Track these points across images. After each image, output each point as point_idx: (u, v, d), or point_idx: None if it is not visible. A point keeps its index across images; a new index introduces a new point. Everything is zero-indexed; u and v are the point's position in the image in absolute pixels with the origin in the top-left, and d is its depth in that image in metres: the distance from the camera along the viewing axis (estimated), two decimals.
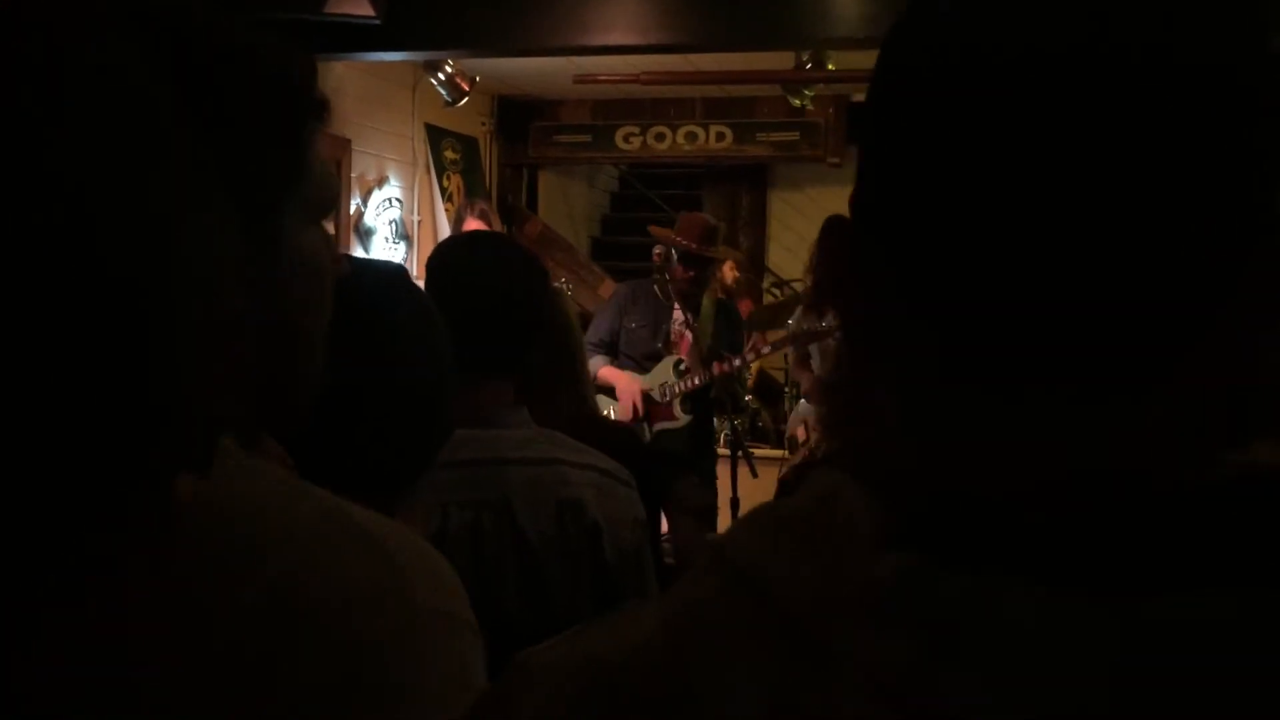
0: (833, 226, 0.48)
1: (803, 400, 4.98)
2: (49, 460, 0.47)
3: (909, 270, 0.43)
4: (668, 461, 3.99)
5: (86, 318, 0.47)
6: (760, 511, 0.48)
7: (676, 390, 4.28)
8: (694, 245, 4.25)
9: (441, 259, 1.73)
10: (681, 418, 4.31)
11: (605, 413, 4.05)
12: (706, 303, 4.40)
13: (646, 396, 4.30)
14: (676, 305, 4.32)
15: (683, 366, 4.32)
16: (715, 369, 4.25)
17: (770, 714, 0.41)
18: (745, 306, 5.98)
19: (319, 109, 0.72)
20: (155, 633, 0.54)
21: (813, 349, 4.79)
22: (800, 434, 4.69)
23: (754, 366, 5.52)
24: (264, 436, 0.74)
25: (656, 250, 4.33)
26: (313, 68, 0.73)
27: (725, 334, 4.48)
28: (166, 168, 0.52)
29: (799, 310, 4.98)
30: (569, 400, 2.12)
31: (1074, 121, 0.38)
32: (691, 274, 4.26)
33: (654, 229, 4.52)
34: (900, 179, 0.44)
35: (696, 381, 4.25)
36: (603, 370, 4.26)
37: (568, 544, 1.55)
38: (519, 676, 0.50)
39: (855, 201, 0.47)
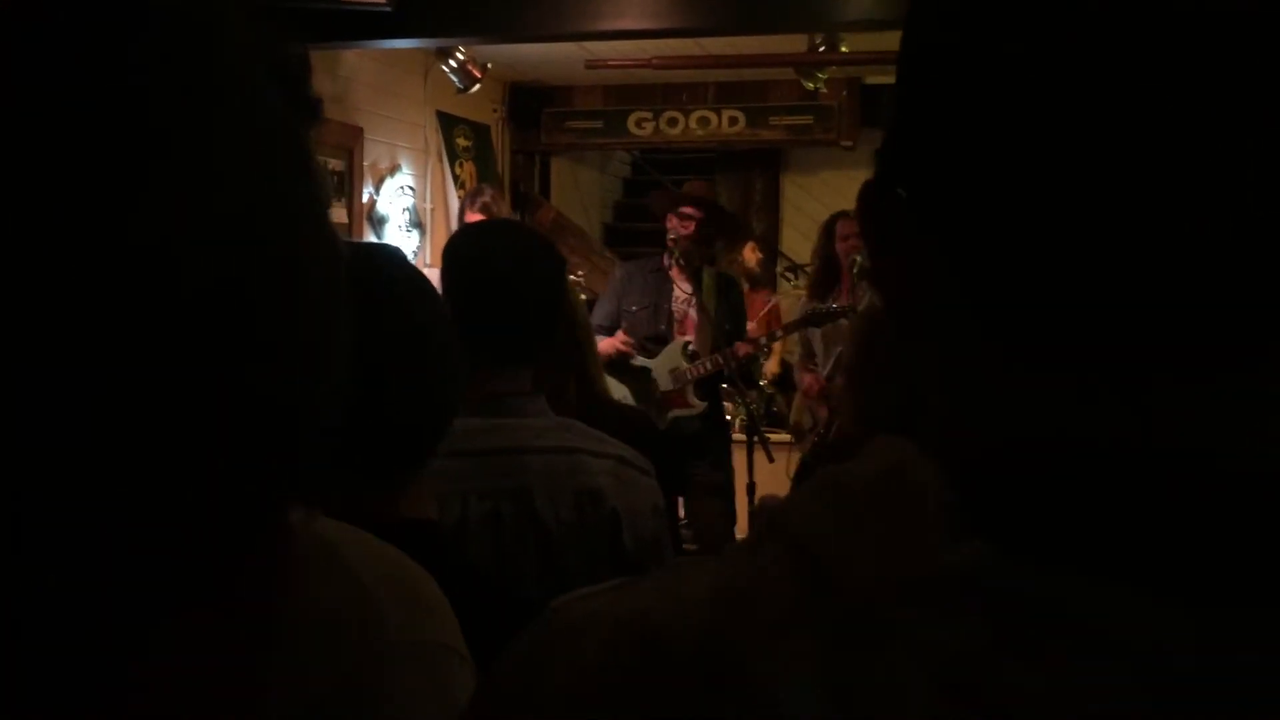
0: (874, 203, 0.46)
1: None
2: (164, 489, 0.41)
3: (977, 247, 0.40)
4: (682, 446, 3.98)
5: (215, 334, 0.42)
6: (822, 481, 0.45)
7: (689, 376, 4.21)
8: (691, 197, 4.23)
9: (456, 248, 1.72)
10: (696, 404, 4.24)
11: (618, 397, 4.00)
12: (707, 277, 4.31)
13: (671, 375, 4.20)
14: (676, 284, 4.25)
15: (690, 348, 4.24)
16: (740, 350, 4.20)
17: (826, 695, 0.39)
18: (764, 294, 5.95)
19: (314, 106, 0.71)
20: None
21: (816, 348, 4.76)
22: (807, 422, 4.66)
23: (776, 349, 5.48)
24: None
25: (671, 237, 4.30)
26: (307, 63, 0.71)
27: (727, 309, 4.38)
28: (298, 179, 0.49)
29: (804, 297, 4.94)
30: (581, 388, 2.11)
31: (1176, 76, 0.35)
32: (690, 227, 4.19)
33: (654, 194, 4.48)
34: (964, 143, 0.40)
35: (709, 367, 4.17)
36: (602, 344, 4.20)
37: (587, 532, 1.55)
38: (556, 625, 0.47)
39: (892, 175, 0.44)
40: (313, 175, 0.50)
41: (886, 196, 0.45)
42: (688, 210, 4.22)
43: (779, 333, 4.69)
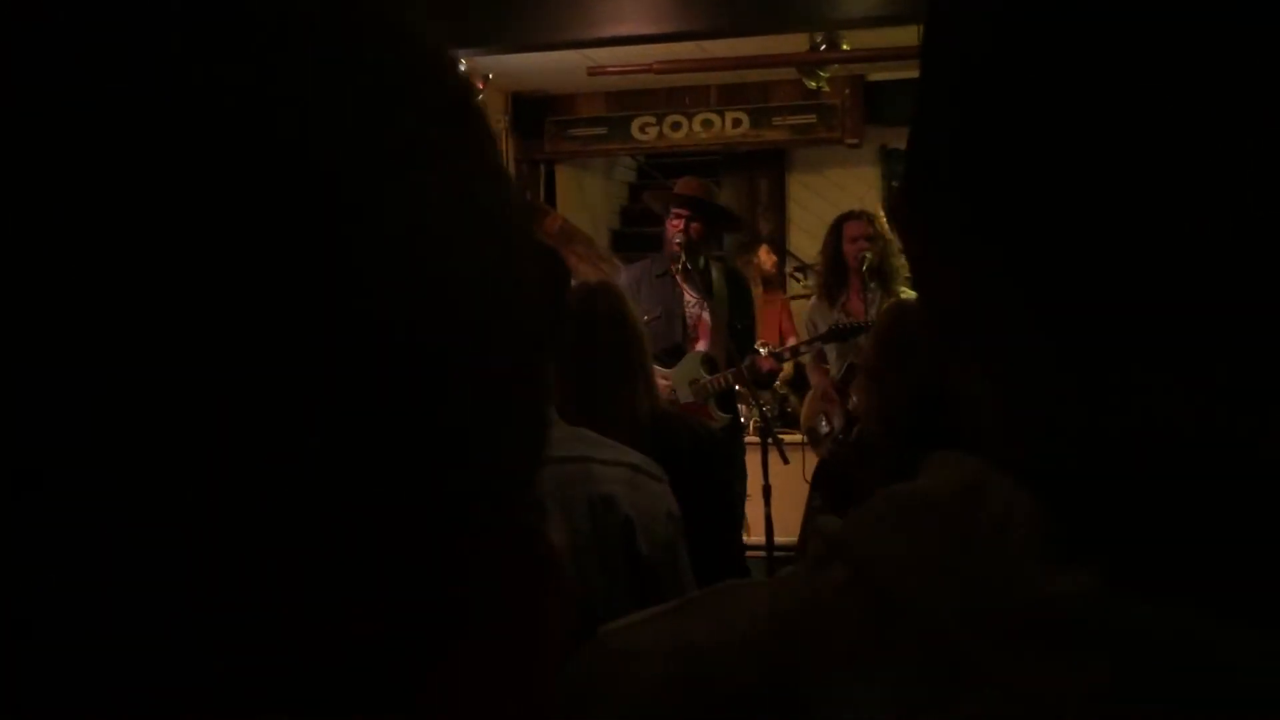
0: (913, 212, 0.44)
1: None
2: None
3: (1047, 258, 0.38)
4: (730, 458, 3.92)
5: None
6: (887, 500, 0.41)
7: (711, 389, 4.13)
8: (680, 196, 4.20)
9: None
10: (720, 417, 4.16)
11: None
12: (716, 275, 4.25)
13: (691, 388, 4.14)
14: (685, 289, 4.20)
15: (707, 358, 4.18)
16: (763, 366, 4.15)
17: None
18: (779, 296, 5.93)
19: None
20: None
21: (828, 349, 4.75)
22: (823, 425, 4.63)
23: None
24: None
25: (676, 241, 4.27)
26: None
27: (738, 306, 4.33)
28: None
29: (813, 300, 4.92)
30: (645, 396, 2.09)
31: (1230, 75, 0.34)
32: (681, 223, 4.13)
33: (648, 194, 4.46)
34: (1033, 156, 0.38)
35: (729, 380, 4.09)
36: None
37: (601, 540, 1.54)
38: (602, 658, 0.45)
39: (937, 184, 0.42)
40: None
41: (928, 205, 0.42)
42: (677, 210, 4.18)
43: (802, 348, 4.64)
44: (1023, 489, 0.38)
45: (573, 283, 2.17)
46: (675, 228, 4.13)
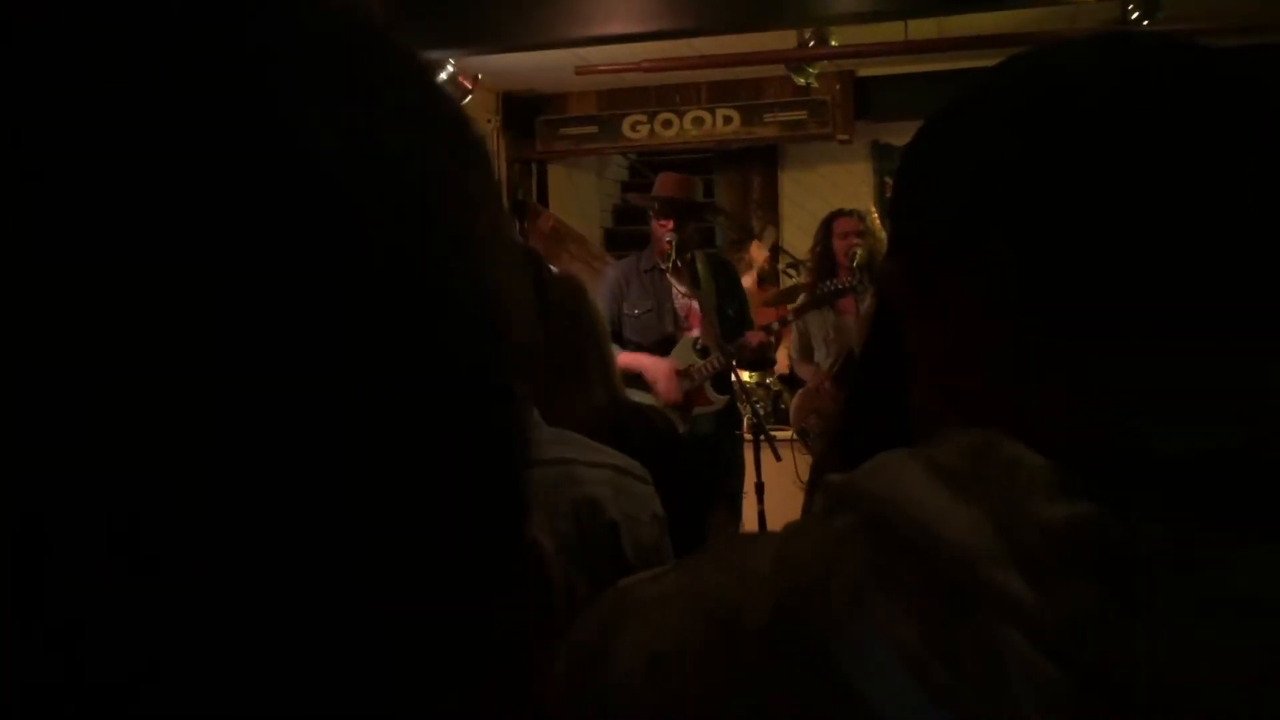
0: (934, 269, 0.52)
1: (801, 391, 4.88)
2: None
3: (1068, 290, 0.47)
4: (704, 455, 3.92)
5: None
6: (895, 457, 0.44)
7: (705, 372, 4.16)
8: (664, 194, 4.22)
9: None
10: (717, 399, 4.19)
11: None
12: (701, 266, 4.27)
13: (683, 375, 4.15)
14: (674, 283, 4.21)
15: (699, 345, 4.20)
16: (753, 340, 4.17)
17: (909, 668, 0.38)
18: (772, 292, 5.92)
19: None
20: None
21: (815, 342, 4.74)
22: (812, 423, 4.62)
23: (784, 344, 5.45)
24: None
25: (667, 239, 4.28)
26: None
27: (727, 293, 4.35)
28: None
29: (801, 296, 4.92)
30: (603, 390, 2.08)
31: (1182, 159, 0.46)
32: (669, 223, 4.16)
33: (631, 196, 4.47)
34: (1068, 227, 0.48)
35: (721, 362, 4.13)
36: (621, 357, 4.16)
37: (586, 543, 1.54)
38: (620, 605, 0.47)
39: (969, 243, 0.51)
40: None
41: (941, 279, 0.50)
42: (660, 216, 4.21)
43: (789, 317, 4.65)
44: (1028, 448, 0.42)
45: None
46: (664, 227, 4.15)
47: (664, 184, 4.32)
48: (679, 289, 4.25)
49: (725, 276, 4.42)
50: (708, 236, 5.42)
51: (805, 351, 4.84)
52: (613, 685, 0.45)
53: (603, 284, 4.52)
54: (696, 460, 2.39)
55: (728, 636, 0.43)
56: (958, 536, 0.39)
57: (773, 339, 4.46)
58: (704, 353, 4.20)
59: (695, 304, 4.22)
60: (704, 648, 0.43)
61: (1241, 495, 0.39)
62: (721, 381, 4.22)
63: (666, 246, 4.17)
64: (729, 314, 4.27)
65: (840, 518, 0.43)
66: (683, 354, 4.21)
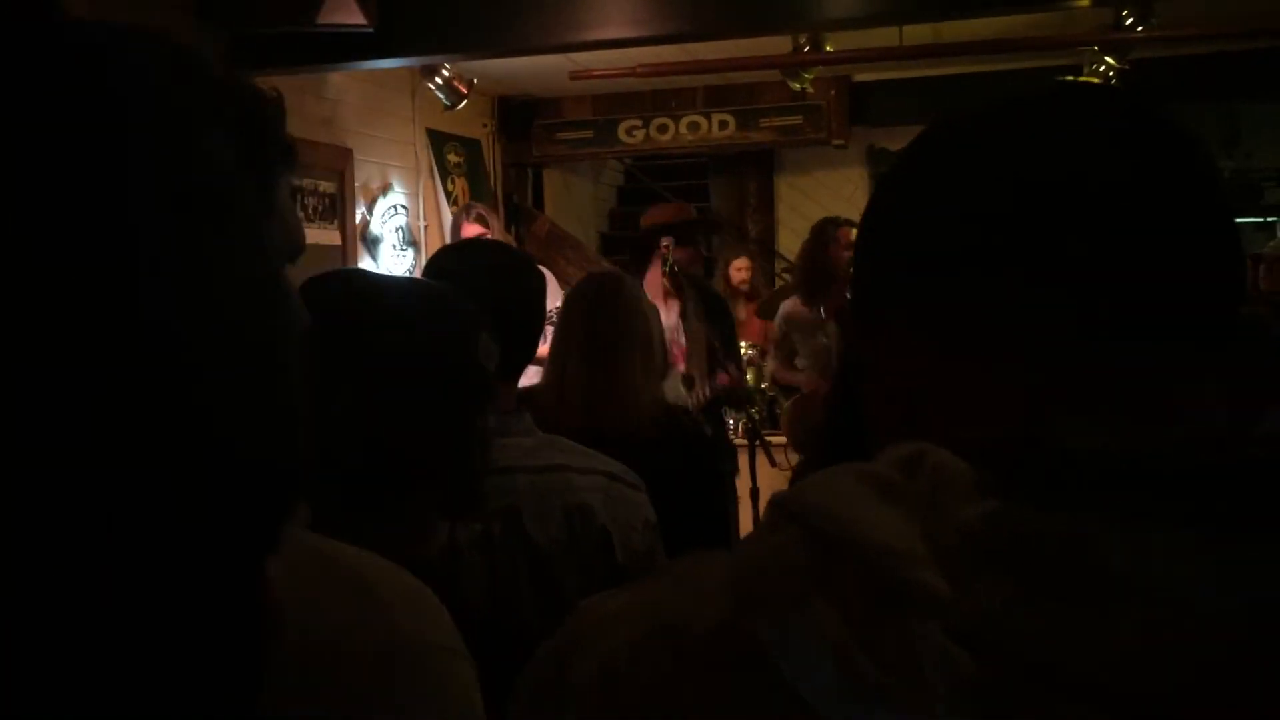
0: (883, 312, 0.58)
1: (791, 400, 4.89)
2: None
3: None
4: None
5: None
6: (835, 470, 0.47)
7: (690, 406, 4.19)
8: (671, 219, 4.28)
9: (436, 268, 1.72)
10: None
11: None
12: (691, 300, 4.31)
13: None
14: (665, 314, 4.27)
15: (686, 381, 4.27)
16: (720, 381, 4.23)
17: (842, 665, 0.40)
18: (751, 308, 5.91)
19: (287, 152, 0.71)
20: None
21: (800, 349, 4.74)
22: (799, 433, 4.62)
23: (769, 360, 5.46)
24: None
25: (665, 242, 4.29)
26: (281, 109, 0.71)
27: (715, 325, 4.37)
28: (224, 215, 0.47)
29: (790, 303, 4.92)
30: (652, 395, 2.13)
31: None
32: (688, 251, 4.25)
33: (646, 220, 4.51)
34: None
35: (706, 393, 4.22)
36: None
37: (578, 550, 1.53)
38: (579, 626, 0.49)
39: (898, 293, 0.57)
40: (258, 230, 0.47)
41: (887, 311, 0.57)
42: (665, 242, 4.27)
43: (759, 345, 4.68)
44: (955, 456, 0.45)
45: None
46: (664, 256, 4.24)
47: (663, 211, 4.42)
48: (670, 319, 4.30)
49: (712, 309, 4.46)
50: (709, 268, 5.45)
51: (788, 356, 4.84)
52: (569, 702, 0.47)
53: None
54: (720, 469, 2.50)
55: (675, 646, 0.44)
56: (885, 540, 0.42)
57: (743, 373, 4.47)
58: (691, 384, 4.28)
59: (681, 339, 4.28)
60: (653, 658, 0.45)
61: (1137, 488, 0.42)
62: (710, 414, 4.28)
63: (667, 279, 4.23)
64: (715, 346, 4.33)
65: (783, 530, 0.45)
66: (672, 389, 4.28)
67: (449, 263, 1.78)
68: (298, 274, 0.76)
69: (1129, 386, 0.48)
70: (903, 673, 0.39)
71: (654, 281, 4.25)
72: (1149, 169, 0.52)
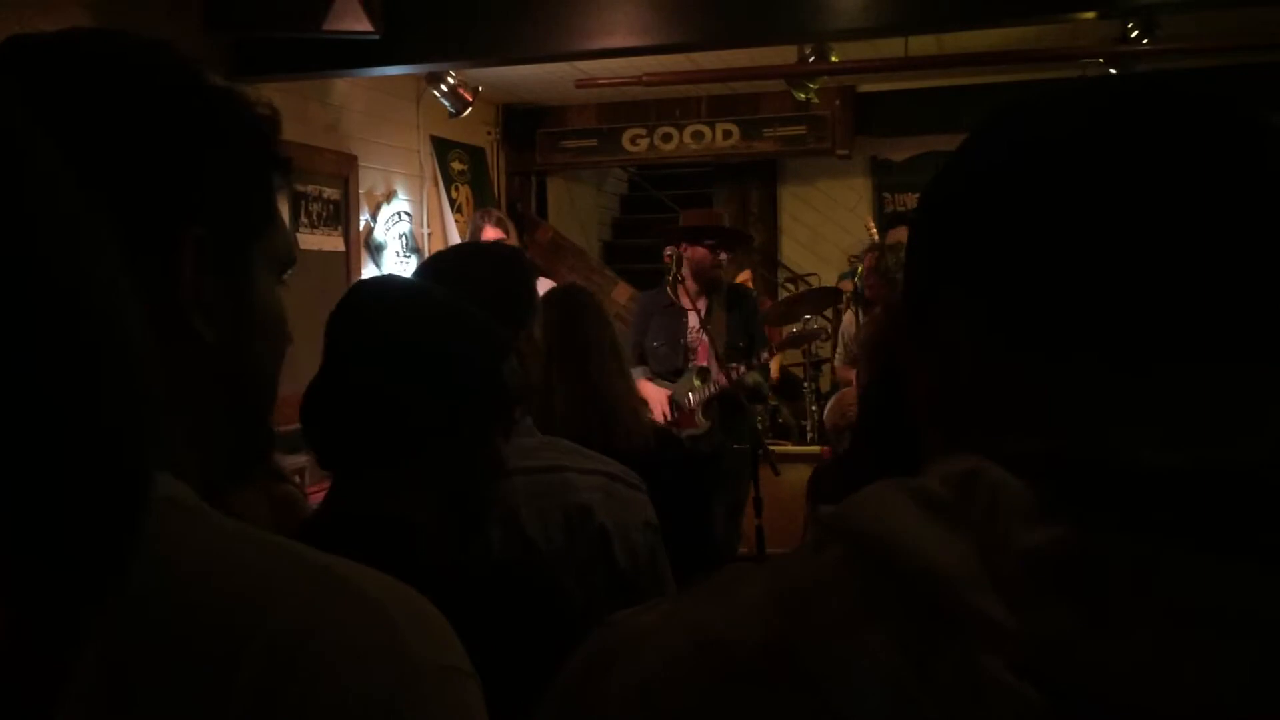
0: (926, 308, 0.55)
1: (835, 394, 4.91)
2: None
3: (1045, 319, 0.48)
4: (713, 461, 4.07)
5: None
6: (885, 485, 0.46)
7: (698, 398, 4.38)
8: (705, 229, 4.40)
9: (432, 272, 1.72)
10: (702, 423, 4.38)
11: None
12: (715, 301, 4.42)
13: (674, 403, 4.40)
14: (690, 312, 4.35)
15: (702, 375, 4.42)
16: (719, 380, 4.31)
17: (892, 692, 0.39)
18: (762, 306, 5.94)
19: (283, 164, 0.72)
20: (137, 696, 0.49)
21: (853, 348, 4.77)
22: (836, 424, 4.63)
23: (774, 362, 5.50)
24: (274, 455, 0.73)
25: (667, 252, 4.33)
26: (277, 122, 0.72)
27: (739, 324, 4.50)
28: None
29: (849, 317, 4.99)
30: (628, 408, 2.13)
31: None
32: (722, 255, 4.38)
33: (659, 228, 4.58)
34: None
35: (713, 389, 4.34)
36: (640, 382, 4.32)
37: (578, 551, 1.53)
38: (613, 640, 0.47)
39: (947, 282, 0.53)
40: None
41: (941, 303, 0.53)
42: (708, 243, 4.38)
43: (764, 355, 4.73)
44: (1012, 475, 0.43)
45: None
46: (701, 258, 4.35)
47: (696, 217, 4.60)
48: (693, 320, 4.37)
49: (736, 308, 4.55)
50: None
51: (848, 356, 4.91)
52: (605, 716, 0.46)
53: (634, 314, 4.78)
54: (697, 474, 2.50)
55: (716, 664, 0.43)
56: (942, 565, 0.40)
57: (747, 373, 4.51)
58: (705, 379, 4.41)
59: (704, 336, 4.35)
60: (693, 676, 0.44)
61: (1214, 512, 0.39)
62: (716, 404, 4.38)
63: (694, 282, 4.31)
64: (740, 345, 4.42)
65: (830, 549, 0.44)
66: (688, 382, 4.43)
67: (444, 266, 1.78)
68: (299, 278, 0.78)
69: (1198, 404, 0.45)
70: (961, 705, 0.37)
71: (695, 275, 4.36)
72: (1237, 183, 0.49)
